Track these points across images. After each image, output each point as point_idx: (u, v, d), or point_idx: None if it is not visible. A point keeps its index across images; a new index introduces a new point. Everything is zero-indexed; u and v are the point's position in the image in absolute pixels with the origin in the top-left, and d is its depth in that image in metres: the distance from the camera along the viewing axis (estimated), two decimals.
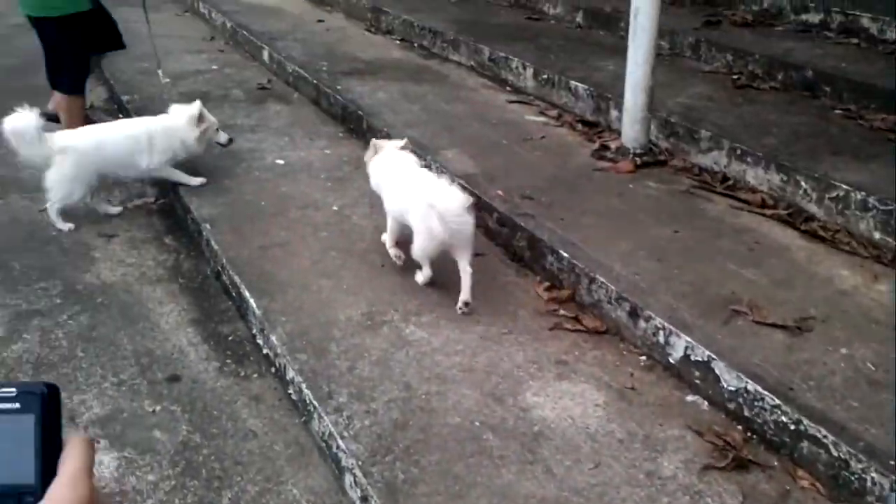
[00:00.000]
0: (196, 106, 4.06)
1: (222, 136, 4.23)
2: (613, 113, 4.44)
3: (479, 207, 3.69)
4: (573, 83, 4.81)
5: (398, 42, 6.55)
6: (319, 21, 7.14)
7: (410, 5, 6.99)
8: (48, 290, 3.47)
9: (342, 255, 3.47)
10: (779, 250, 3.24)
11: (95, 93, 6.11)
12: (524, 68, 5.24)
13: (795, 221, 3.44)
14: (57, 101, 4.89)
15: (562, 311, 3.07)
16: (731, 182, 3.79)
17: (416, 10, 6.79)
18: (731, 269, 3.07)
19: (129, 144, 4.02)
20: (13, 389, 0.65)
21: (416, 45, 6.42)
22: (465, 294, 3.05)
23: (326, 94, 5.33)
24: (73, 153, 3.86)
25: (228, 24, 7.36)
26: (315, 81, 5.52)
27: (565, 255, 3.18)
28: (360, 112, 4.85)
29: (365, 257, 3.45)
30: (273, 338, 2.92)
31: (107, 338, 3.16)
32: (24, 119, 3.69)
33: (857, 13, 5.15)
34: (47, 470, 0.64)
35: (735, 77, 4.83)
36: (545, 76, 5.05)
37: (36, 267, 3.65)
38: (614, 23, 5.83)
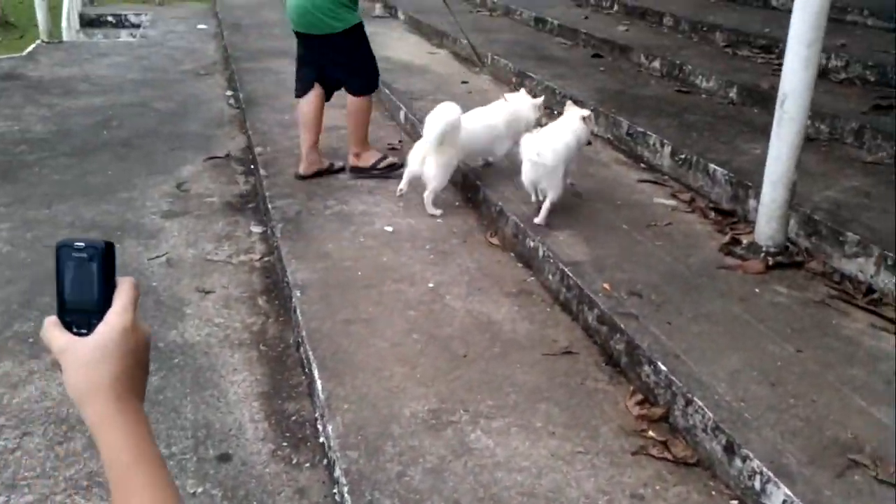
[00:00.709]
0: (536, 100, 4.73)
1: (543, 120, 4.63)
2: (752, 203, 4.01)
3: (580, 301, 3.40)
4: (712, 166, 4.41)
5: None
6: (464, 82, 7.04)
7: (558, 71, 6.78)
8: None
9: (424, 338, 3.25)
10: None
11: (235, 142, 6.28)
12: (662, 145, 4.89)
13: None
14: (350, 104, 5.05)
15: (650, 433, 2.70)
16: (875, 295, 3.29)
17: (561, 76, 6.56)
18: (857, 405, 2.60)
19: (489, 132, 4.53)
20: (83, 243, 0.90)
21: (555, 112, 6.16)
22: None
23: None
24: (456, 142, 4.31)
25: None
26: None
27: (663, 367, 2.81)
28: (479, 182, 4.66)
29: (448, 344, 3.21)
30: (330, 427, 2.72)
31: (171, 403, 3.07)
32: (450, 110, 4.22)
33: None
34: (105, 301, 0.92)
35: None
36: (683, 156, 4.67)
37: None
38: (771, 101, 5.30)
